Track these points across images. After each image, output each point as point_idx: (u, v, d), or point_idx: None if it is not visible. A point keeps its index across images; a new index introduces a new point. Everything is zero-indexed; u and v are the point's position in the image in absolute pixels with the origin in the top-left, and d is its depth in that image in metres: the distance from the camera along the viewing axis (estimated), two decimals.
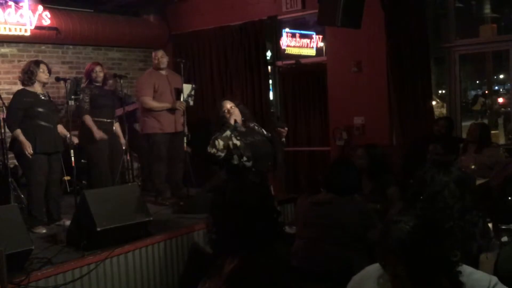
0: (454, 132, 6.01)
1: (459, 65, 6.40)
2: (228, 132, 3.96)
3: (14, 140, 4.90)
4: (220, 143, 3.93)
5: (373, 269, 1.88)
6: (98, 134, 5.50)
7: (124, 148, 5.72)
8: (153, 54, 6.07)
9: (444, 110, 7.62)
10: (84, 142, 5.62)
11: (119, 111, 5.94)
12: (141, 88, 5.94)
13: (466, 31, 6.72)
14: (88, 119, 5.53)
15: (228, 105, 4.19)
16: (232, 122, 4.08)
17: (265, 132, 4.26)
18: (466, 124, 6.61)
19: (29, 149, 4.75)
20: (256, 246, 1.69)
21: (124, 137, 5.70)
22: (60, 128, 5.19)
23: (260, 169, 3.96)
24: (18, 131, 4.80)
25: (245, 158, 3.89)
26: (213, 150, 3.92)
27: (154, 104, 5.81)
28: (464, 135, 6.03)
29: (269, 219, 1.74)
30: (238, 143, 3.93)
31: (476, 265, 2.51)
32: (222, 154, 3.90)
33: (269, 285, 1.66)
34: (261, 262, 1.67)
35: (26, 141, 4.76)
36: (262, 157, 4.01)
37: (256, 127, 4.26)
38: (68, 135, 5.16)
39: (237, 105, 4.24)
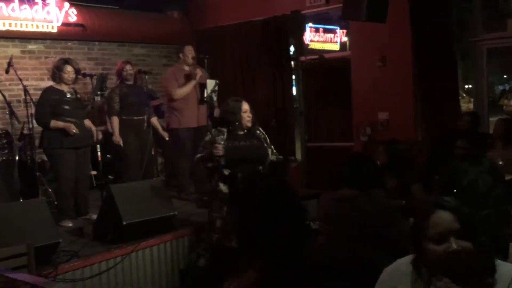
0: (480, 127, 5.90)
1: (486, 60, 6.28)
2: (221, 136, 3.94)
3: (43, 137, 5.00)
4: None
5: (404, 262, 1.87)
6: (116, 139, 5.54)
7: (167, 139, 5.88)
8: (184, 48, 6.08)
9: (471, 106, 7.49)
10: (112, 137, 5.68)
11: (154, 102, 6.09)
12: (167, 84, 5.97)
13: (493, 24, 6.57)
14: (114, 121, 5.58)
15: (248, 107, 4.07)
16: (249, 125, 4.02)
17: (263, 137, 4.14)
18: (494, 119, 6.47)
19: (72, 129, 4.83)
20: (282, 246, 1.63)
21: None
22: (87, 122, 5.27)
23: (245, 172, 3.82)
24: (53, 122, 4.89)
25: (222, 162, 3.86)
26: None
27: (178, 90, 5.79)
28: (491, 131, 5.92)
29: (295, 218, 1.67)
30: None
31: (506, 253, 2.49)
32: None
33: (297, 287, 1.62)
34: (289, 264, 1.62)
35: (65, 123, 4.85)
36: (247, 161, 3.91)
37: (258, 131, 4.15)
38: (94, 129, 5.24)
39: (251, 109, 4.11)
